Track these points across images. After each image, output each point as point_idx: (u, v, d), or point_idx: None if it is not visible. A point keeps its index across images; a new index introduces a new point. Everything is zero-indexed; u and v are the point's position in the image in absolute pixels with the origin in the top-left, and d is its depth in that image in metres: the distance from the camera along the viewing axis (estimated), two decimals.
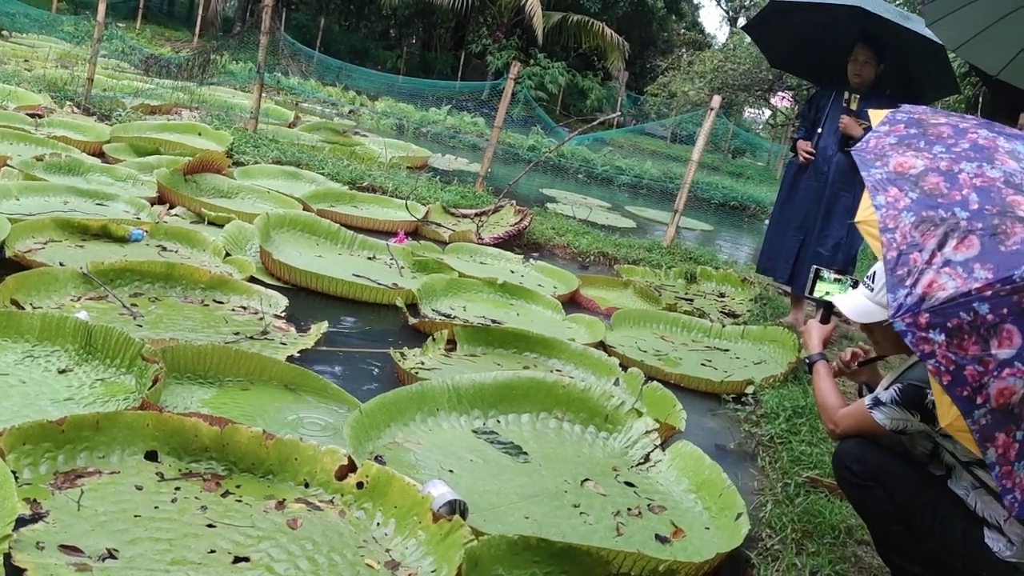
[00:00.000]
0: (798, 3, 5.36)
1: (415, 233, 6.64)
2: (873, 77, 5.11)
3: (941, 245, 1.76)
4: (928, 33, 4.95)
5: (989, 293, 1.69)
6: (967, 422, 1.73)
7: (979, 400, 1.71)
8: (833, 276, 2.56)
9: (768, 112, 29.67)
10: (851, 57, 5.10)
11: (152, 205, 5.58)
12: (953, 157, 1.91)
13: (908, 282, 1.75)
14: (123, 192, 5.71)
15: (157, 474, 2.42)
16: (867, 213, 1.92)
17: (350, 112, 16.62)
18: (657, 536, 2.72)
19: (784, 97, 25.37)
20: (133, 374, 3.00)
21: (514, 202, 7.59)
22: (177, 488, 2.39)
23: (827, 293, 2.55)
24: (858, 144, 2.08)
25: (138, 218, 5.23)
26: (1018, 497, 1.75)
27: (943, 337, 1.71)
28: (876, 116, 2.21)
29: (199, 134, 8.36)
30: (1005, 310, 1.69)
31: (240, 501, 2.40)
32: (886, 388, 2.21)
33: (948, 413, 1.77)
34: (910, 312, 1.73)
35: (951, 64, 5.35)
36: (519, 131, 18.55)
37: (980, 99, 8.56)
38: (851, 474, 2.31)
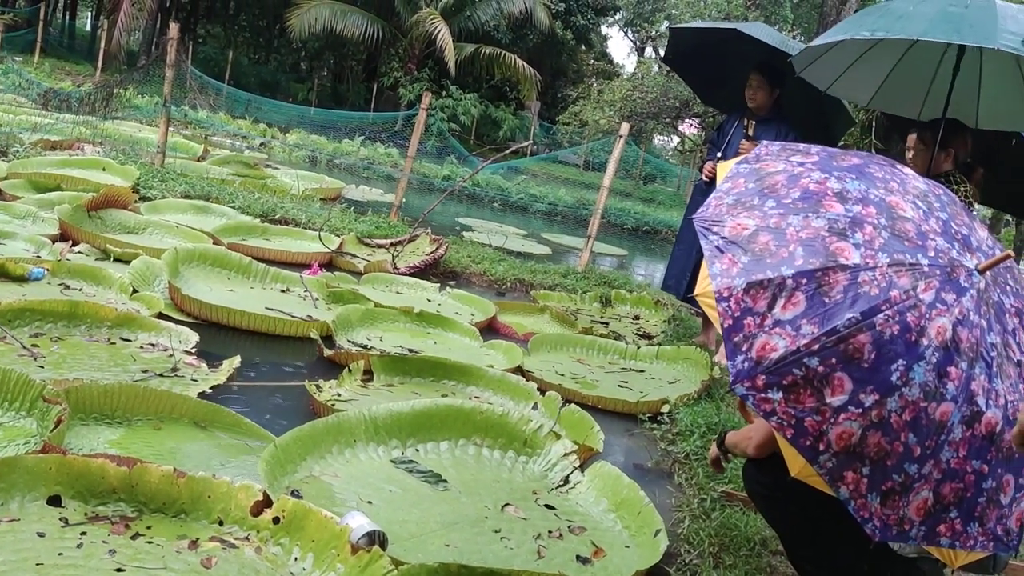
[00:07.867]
0: (691, 29, 5.57)
1: (329, 264, 6.57)
2: (767, 102, 5.30)
3: (771, 306, 1.83)
4: None
5: (817, 347, 1.77)
6: (814, 467, 1.81)
7: (821, 447, 1.78)
8: None
9: (677, 139, 30.43)
10: (747, 83, 5.31)
11: (53, 242, 5.38)
12: (782, 212, 1.97)
13: (744, 347, 1.82)
14: (22, 230, 5.49)
15: (61, 519, 2.33)
16: (704, 284, 1.96)
17: (261, 145, 16.39)
18: (578, 557, 2.74)
19: (692, 124, 26.13)
20: (34, 417, 2.88)
21: (429, 231, 7.60)
22: (83, 533, 2.30)
23: None
24: (699, 211, 2.10)
25: (38, 256, 5.04)
26: (877, 524, 1.83)
27: (780, 395, 1.78)
28: (723, 169, 2.27)
29: (103, 169, 8.11)
30: (833, 360, 1.76)
31: (151, 543, 2.32)
32: None
33: (796, 462, 1.87)
34: (747, 376, 1.80)
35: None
36: (434, 161, 18.61)
37: (873, 123, 8.97)
38: (761, 487, 2.38)
